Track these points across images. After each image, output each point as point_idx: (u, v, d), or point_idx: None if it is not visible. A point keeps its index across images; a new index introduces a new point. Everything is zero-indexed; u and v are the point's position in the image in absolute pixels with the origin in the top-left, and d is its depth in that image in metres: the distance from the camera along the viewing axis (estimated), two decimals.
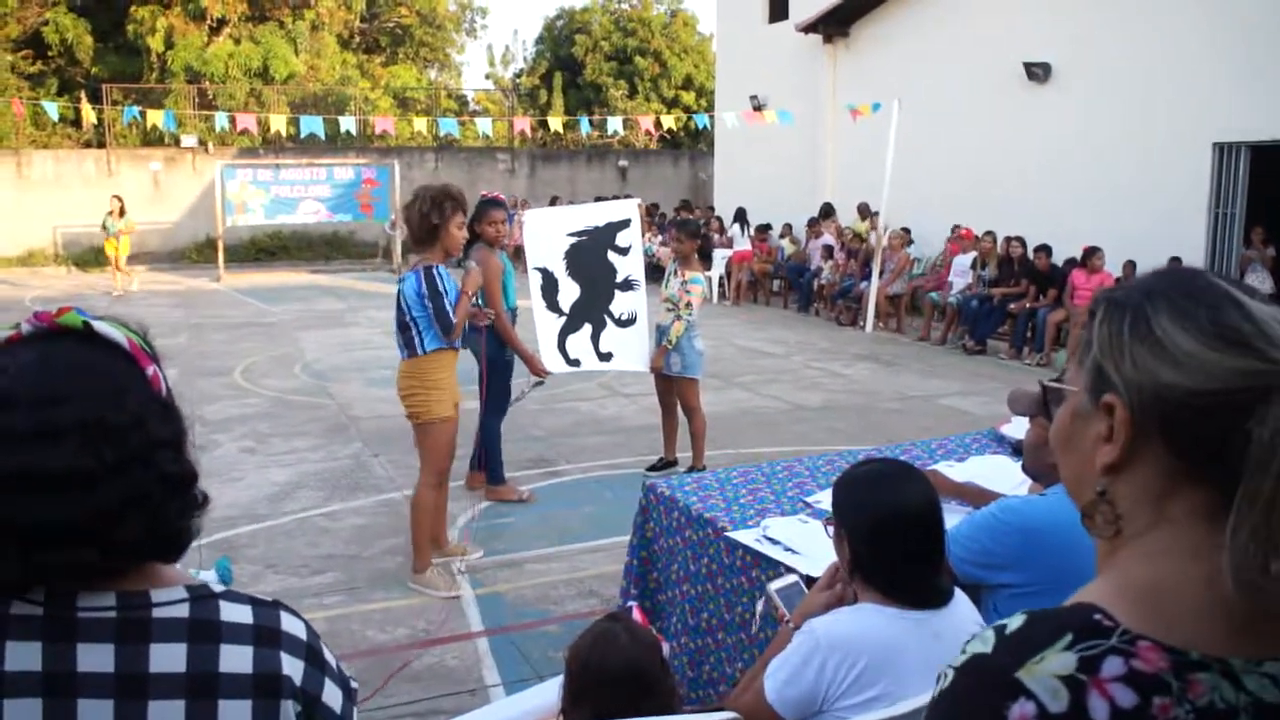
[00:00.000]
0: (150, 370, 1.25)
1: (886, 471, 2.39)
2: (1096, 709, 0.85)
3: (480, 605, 5.06)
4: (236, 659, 1.20)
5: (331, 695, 1.28)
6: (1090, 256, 11.98)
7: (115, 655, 1.16)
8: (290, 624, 1.27)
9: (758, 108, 18.96)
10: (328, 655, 1.31)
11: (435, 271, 5.03)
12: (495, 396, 6.44)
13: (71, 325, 1.22)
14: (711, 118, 19.57)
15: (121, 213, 17.82)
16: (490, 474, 6.60)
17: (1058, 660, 0.87)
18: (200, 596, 1.23)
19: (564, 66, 33.15)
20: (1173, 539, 0.93)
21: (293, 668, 1.24)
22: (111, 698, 1.16)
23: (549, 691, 3.82)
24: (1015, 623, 0.93)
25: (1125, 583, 0.94)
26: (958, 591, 2.36)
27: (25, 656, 1.15)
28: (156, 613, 1.19)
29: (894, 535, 2.26)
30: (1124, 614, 0.90)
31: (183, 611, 1.20)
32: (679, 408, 7.01)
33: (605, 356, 7.10)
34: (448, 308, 5.01)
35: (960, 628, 2.26)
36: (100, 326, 1.23)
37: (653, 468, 7.09)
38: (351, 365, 11.39)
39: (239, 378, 10.55)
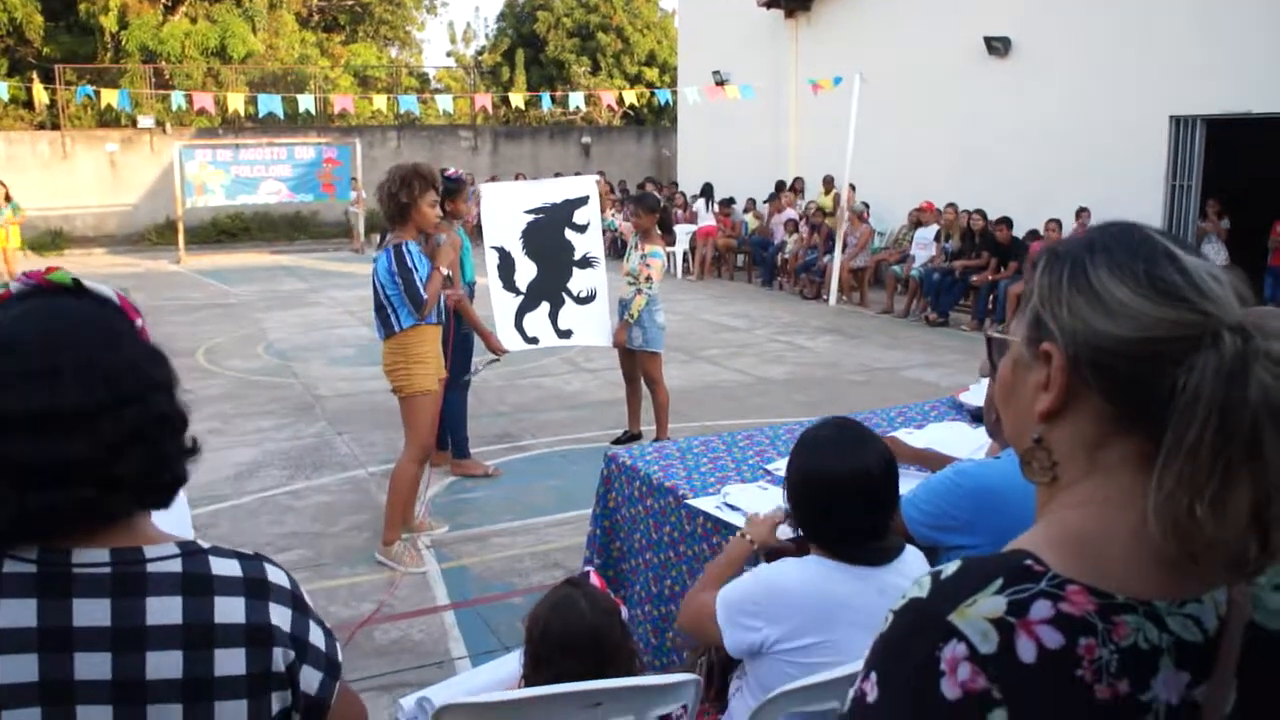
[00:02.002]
0: (139, 321, 1.31)
1: (832, 437, 2.41)
2: (1024, 650, 0.88)
3: (446, 579, 5.08)
4: (230, 610, 1.24)
5: (317, 636, 1.33)
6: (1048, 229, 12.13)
7: (111, 609, 1.19)
8: (275, 575, 1.32)
9: (720, 83, 18.94)
10: (308, 600, 1.36)
11: (405, 249, 5.03)
12: (456, 371, 6.44)
13: (61, 282, 1.27)
14: (674, 93, 19.54)
15: (7, 198, 15.91)
16: (455, 449, 6.61)
17: (988, 604, 0.90)
18: (191, 551, 1.26)
19: (526, 43, 32.96)
20: (1105, 486, 0.96)
21: (281, 617, 1.28)
22: (109, 650, 1.18)
23: (513, 663, 3.85)
24: (950, 569, 0.96)
25: (1058, 529, 0.97)
26: (909, 549, 2.40)
27: (20, 613, 1.17)
28: (150, 567, 1.22)
29: (819, 501, 2.32)
30: (1055, 559, 0.93)
31: (175, 566, 1.24)
32: (642, 381, 7.05)
33: (564, 334, 7.11)
34: (418, 284, 5.01)
35: (907, 583, 2.30)
36: (90, 283, 1.29)
37: (618, 441, 7.12)
38: (315, 345, 11.33)
39: (201, 359, 10.48)
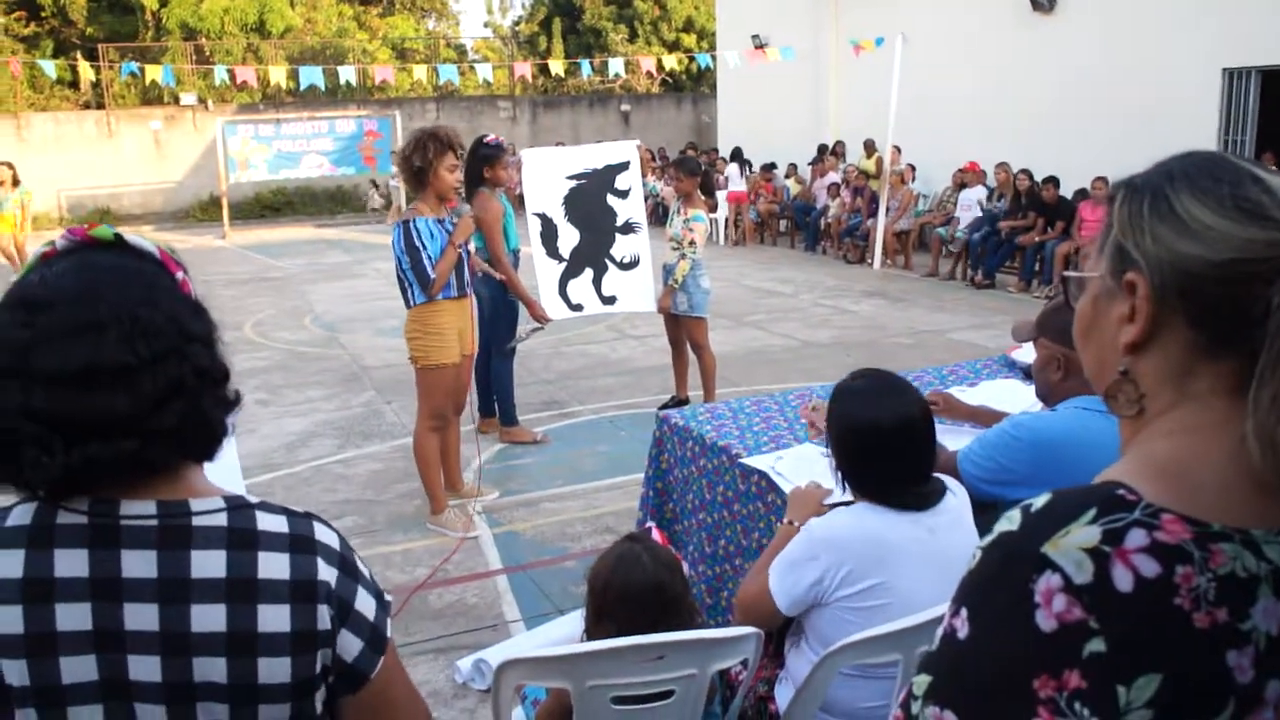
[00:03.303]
0: (179, 275, 1.30)
1: (870, 387, 2.43)
2: (1120, 579, 0.86)
3: (498, 544, 5.11)
4: (274, 565, 1.23)
5: (365, 603, 1.30)
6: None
7: (158, 561, 1.20)
8: (324, 534, 1.30)
9: (759, 46, 18.75)
10: (361, 566, 1.33)
11: (412, 226, 4.92)
12: (502, 339, 6.45)
13: (103, 237, 1.27)
14: (714, 57, 19.37)
15: (15, 183, 13.45)
16: (503, 416, 6.63)
17: (1082, 534, 0.88)
18: (237, 506, 1.26)
19: (563, 12, 32.76)
20: (1195, 415, 0.95)
21: (328, 574, 1.27)
22: (155, 602, 1.19)
23: (568, 624, 3.89)
24: (1040, 501, 0.94)
25: (1148, 459, 0.95)
26: (951, 487, 2.42)
27: (73, 563, 1.19)
28: (196, 520, 1.22)
29: (863, 449, 2.35)
30: (1147, 489, 0.91)
31: (221, 520, 1.24)
32: (689, 347, 7.03)
33: (609, 300, 7.10)
34: (425, 263, 4.91)
35: (954, 521, 2.32)
36: (131, 237, 1.29)
37: (665, 406, 7.10)
38: (361, 316, 11.41)
39: (250, 332, 10.60)
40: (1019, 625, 0.87)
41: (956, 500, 2.40)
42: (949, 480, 2.47)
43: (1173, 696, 0.85)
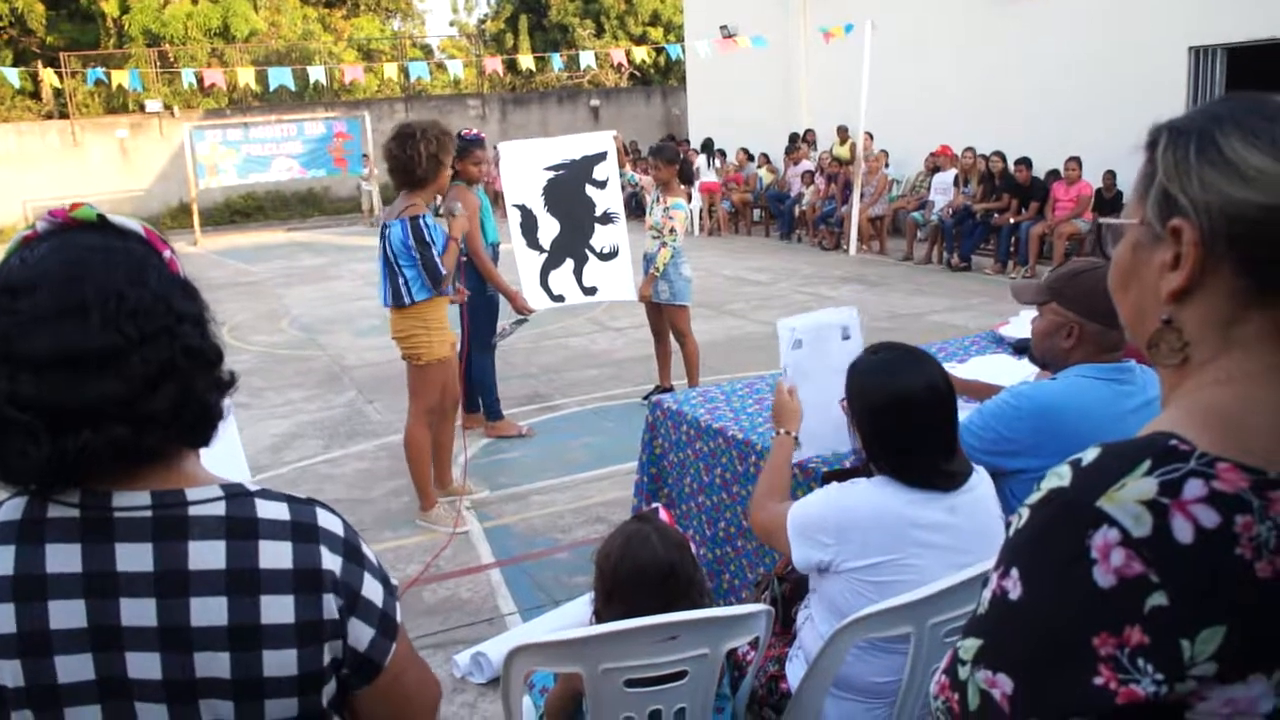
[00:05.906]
0: (167, 253, 1.25)
1: (893, 360, 2.37)
2: (1180, 530, 0.85)
3: (489, 538, 5.08)
4: (275, 554, 1.19)
5: (372, 589, 1.27)
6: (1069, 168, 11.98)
7: (154, 553, 1.15)
8: (327, 520, 1.26)
9: (729, 36, 18.73)
10: (366, 551, 1.29)
11: (422, 222, 4.89)
12: (483, 334, 6.40)
13: (86, 218, 1.22)
14: (684, 48, 19.35)
15: None
16: (488, 411, 6.59)
17: (1138, 486, 0.87)
18: (236, 494, 1.21)
19: (529, 9, 32.67)
20: (1244, 362, 0.93)
21: (332, 562, 1.22)
22: (153, 596, 1.15)
23: (571, 612, 3.87)
24: (1090, 455, 0.92)
25: (1197, 408, 0.94)
26: (977, 467, 2.38)
27: (66, 558, 1.14)
28: (193, 510, 1.18)
29: (896, 422, 2.28)
30: (1200, 438, 0.90)
31: (219, 509, 1.19)
32: (671, 335, 7.01)
33: (590, 290, 7.06)
34: (436, 258, 4.89)
35: (977, 501, 2.28)
36: (114, 217, 1.24)
37: (649, 396, 7.09)
38: (339, 317, 11.34)
39: (227, 336, 10.28)
40: (1076, 583, 0.86)
41: (980, 479, 2.35)
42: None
43: (1237, 648, 0.84)
